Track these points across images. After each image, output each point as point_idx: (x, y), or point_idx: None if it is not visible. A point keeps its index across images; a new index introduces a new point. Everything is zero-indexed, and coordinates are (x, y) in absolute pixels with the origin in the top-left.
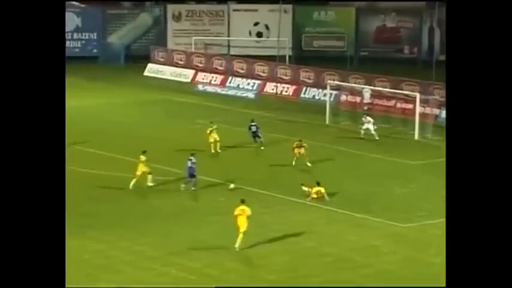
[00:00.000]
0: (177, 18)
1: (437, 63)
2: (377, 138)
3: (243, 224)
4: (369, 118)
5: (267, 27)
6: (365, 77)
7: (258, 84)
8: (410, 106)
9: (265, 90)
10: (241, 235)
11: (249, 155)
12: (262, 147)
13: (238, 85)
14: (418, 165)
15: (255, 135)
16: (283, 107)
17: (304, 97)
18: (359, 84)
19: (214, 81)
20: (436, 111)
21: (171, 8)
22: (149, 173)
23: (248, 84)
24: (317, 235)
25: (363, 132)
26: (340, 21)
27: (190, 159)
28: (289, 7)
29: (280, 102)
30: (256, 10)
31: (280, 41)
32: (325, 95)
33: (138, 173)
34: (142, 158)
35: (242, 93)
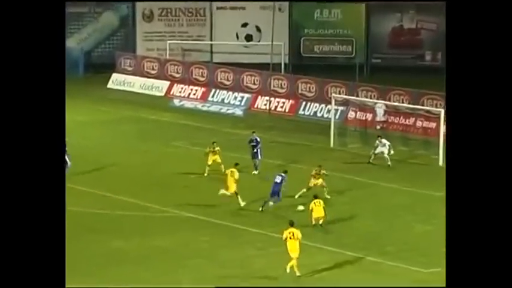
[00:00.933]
0: (149, 18)
1: None
2: (389, 163)
3: (294, 249)
4: (384, 141)
5: (258, 29)
6: (378, 90)
7: (248, 99)
8: (433, 125)
9: (256, 105)
10: (294, 261)
11: (242, 183)
12: (254, 172)
13: (223, 99)
14: (443, 196)
15: (253, 153)
16: (278, 126)
17: (304, 114)
18: (371, 98)
19: (194, 94)
20: None
21: (141, 6)
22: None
23: (235, 98)
24: (321, 282)
25: (373, 156)
26: (347, 21)
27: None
28: (285, 4)
29: (275, 120)
30: (244, 8)
31: (275, 45)
32: (329, 111)
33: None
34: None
35: (228, 110)
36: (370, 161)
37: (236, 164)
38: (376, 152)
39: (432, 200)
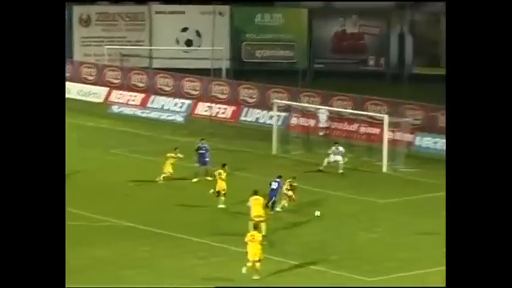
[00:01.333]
0: (86, 22)
1: (409, 78)
2: (341, 171)
3: (254, 252)
4: (340, 148)
5: (198, 33)
6: (321, 95)
7: (188, 105)
8: (377, 131)
9: (196, 111)
10: (257, 264)
11: (188, 191)
12: (208, 177)
13: (163, 106)
14: (387, 204)
15: (202, 161)
16: (219, 132)
17: (246, 120)
18: (313, 104)
19: (133, 101)
20: (408, 137)
21: (78, 11)
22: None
23: (175, 104)
24: None
25: (326, 164)
26: (289, 26)
27: (277, 181)
28: (225, 8)
29: (216, 126)
30: (184, 12)
31: (215, 50)
32: (271, 117)
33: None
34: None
35: (168, 116)
36: (322, 168)
37: (224, 165)
38: (332, 160)
39: (376, 208)
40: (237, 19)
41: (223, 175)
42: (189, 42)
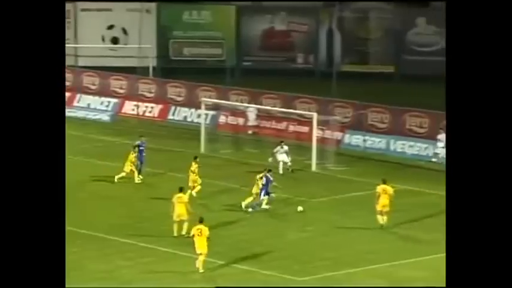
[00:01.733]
0: None
1: (338, 76)
2: (291, 169)
3: (201, 246)
4: (285, 147)
5: (124, 31)
6: (249, 94)
7: (115, 104)
8: (306, 129)
9: (123, 110)
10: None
11: (108, 192)
12: (138, 178)
13: (89, 105)
14: (317, 203)
15: (141, 158)
16: (146, 131)
17: (173, 119)
18: (242, 102)
19: None
20: (337, 135)
21: None
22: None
23: (102, 103)
24: None
25: (281, 165)
26: (217, 23)
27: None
28: (152, 6)
29: (143, 125)
30: (110, 10)
31: (142, 48)
32: (199, 116)
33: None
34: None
35: (94, 115)
36: (282, 172)
37: (195, 158)
38: (279, 160)
39: (306, 207)
40: (164, 16)
41: (193, 167)
42: (115, 40)
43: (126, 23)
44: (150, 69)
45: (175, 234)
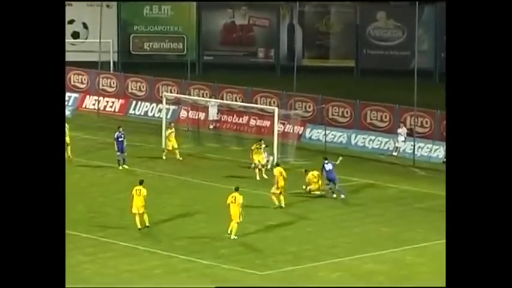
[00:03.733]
0: None
1: (299, 70)
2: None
3: (234, 213)
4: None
5: (85, 25)
6: (210, 88)
7: (75, 98)
8: (267, 123)
9: (84, 105)
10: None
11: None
12: (125, 166)
13: None
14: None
15: (121, 148)
16: (107, 126)
17: (134, 114)
18: (203, 96)
19: None
20: (298, 129)
21: None
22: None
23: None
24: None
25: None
26: (177, 18)
27: None
28: (112, 2)
29: (104, 120)
30: (71, 4)
31: (103, 43)
32: (160, 110)
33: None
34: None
35: None
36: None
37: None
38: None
39: (267, 201)
40: (125, 11)
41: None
42: (75, 35)
43: (87, 17)
44: (111, 64)
45: (139, 226)
